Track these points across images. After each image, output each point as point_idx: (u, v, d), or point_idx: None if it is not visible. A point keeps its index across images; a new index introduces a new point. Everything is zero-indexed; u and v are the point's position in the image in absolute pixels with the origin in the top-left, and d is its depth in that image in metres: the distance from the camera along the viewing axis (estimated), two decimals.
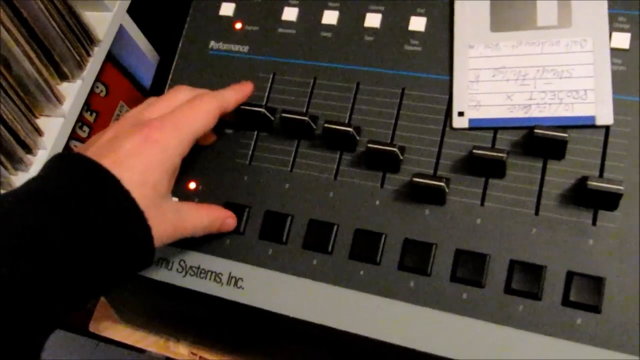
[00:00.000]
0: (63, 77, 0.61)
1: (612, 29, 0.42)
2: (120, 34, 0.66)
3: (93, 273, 0.36)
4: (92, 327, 0.55)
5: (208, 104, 0.42)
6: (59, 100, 0.60)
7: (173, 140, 0.40)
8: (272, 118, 0.46)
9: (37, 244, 0.33)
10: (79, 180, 0.36)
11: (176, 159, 0.40)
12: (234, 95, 0.45)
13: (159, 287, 0.45)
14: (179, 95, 0.43)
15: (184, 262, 0.45)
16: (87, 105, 0.66)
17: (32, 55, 0.57)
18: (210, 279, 0.44)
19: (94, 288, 0.37)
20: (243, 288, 0.43)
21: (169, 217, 0.40)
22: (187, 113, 0.41)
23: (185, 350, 0.52)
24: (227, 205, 0.45)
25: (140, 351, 0.56)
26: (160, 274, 0.45)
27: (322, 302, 0.42)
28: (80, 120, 0.65)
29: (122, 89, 0.71)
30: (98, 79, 0.65)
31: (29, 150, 0.58)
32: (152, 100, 0.44)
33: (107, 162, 0.37)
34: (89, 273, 0.35)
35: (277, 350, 0.48)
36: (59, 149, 0.59)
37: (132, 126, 0.40)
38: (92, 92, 0.65)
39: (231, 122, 0.47)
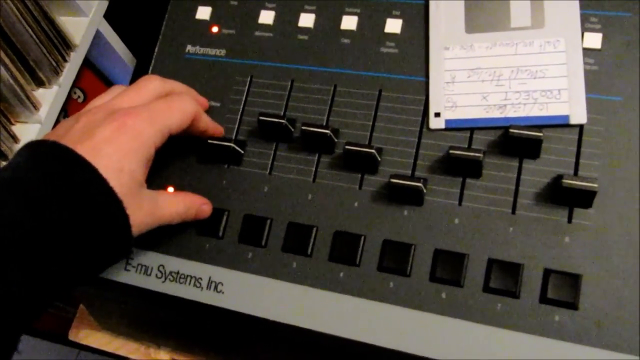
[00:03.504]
0: (39, 83, 0.61)
1: (584, 29, 0.42)
2: (97, 39, 0.66)
3: (70, 264, 0.35)
4: (72, 335, 0.54)
5: (185, 104, 0.42)
6: (35, 106, 0.59)
7: (148, 129, 0.39)
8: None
9: (15, 235, 0.33)
10: (56, 169, 0.36)
11: (151, 148, 0.40)
12: (210, 121, 0.45)
13: (138, 293, 0.45)
14: (149, 85, 0.43)
15: (163, 267, 0.45)
16: (65, 112, 0.66)
17: (7, 61, 0.56)
18: (190, 284, 0.44)
19: (72, 279, 0.37)
20: (223, 292, 0.43)
21: (146, 205, 0.39)
22: (164, 107, 0.41)
23: (166, 356, 0.52)
24: None
25: (122, 359, 0.55)
26: (140, 280, 0.45)
27: (302, 305, 0.42)
28: None
29: (99, 94, 0.70)
30: (75, 84, 0.65)
31: (4, 157, 0.57)
32: (118, 88, 0.44)
33: (83, 150, 0.37)
34: (66, 264, 0.35)
35: (258, 354, 0.48)
36: None
37: (106, 115, 0.39)
38: (69, 97, 0.64)
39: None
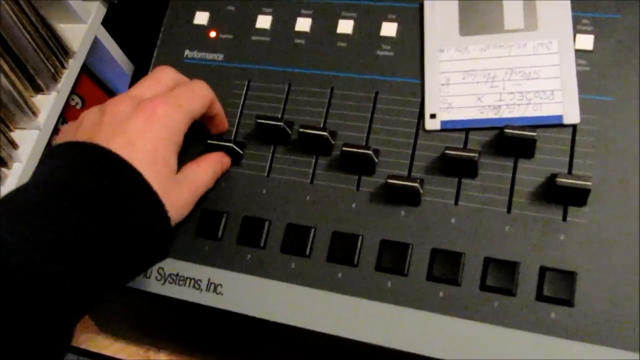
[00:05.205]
0: (37, 90, 0.61)
1: (576, 31, 0.43)
2: (95, 46, 0.66)
3: (116, 262, 0.36)
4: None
5: (204, 89, 0.43)
6: (33, 112, 0.59)
7: (177, 116, 0.40)
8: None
9: (65, 238, 0.33)
10: (98, 172, 0.36)
11: (181, 135, 0.41)
12: (220, 106, 0.46)
13: (138, 296, 0.45)
14: (166, 73, 0.44)
15: (163, 269, 0.45)
16: (63, 118, 0.66)
17: (6, 67, 0.56)
18: (189, 286, 0.44)
19: (117, 280, 0.37)
20: (222, 294, 0.43)
21: (185, 186, 0.41)
22: (188, 93, 0.42)
23: (166, 358, 0.52)
24: (204, 213, 0.45)
25: None
26: (139, 282, 0.45)
27: (301, 306, 0.42)
28: (56, 133, 0.65)
29: (97, 101, 0.71)
30: (73, 91, 0.65)
31: (4, 163, 0.57)
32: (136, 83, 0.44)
33: (117, 146, 0.37)
34: (111, 262, 0.36)
35: (258, 356, 0.48)
36: (35, 162, 0.59)
37: (133, 105, 0.39)
38: (67, 104, 0.65)
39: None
